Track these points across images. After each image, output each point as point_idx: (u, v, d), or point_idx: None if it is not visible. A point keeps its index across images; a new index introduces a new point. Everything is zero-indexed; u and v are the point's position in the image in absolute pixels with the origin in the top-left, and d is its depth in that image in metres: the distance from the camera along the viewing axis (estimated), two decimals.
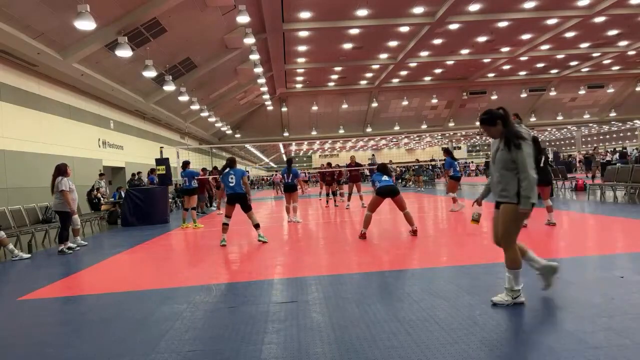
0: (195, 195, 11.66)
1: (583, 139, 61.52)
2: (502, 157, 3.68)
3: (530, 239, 6.78)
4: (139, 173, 17.39)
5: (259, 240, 7.94)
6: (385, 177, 7.73)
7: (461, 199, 12.36)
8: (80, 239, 9.21)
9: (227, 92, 26.53)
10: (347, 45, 22.72)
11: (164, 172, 13.56)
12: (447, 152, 11.93)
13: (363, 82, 31.58)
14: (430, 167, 30.81)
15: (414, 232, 7.66)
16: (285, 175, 11.32)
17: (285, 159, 67.46)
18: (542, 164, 7.77)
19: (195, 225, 11.32)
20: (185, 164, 11.91)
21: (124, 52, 12.97)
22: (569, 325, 3.24)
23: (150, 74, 15.28)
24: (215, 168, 18.35)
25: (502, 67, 29.25)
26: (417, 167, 25.98)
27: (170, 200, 16.15)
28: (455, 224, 9.22)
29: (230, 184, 7.93)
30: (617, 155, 25.26)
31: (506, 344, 3.00)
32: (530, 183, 3.55)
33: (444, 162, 13.09)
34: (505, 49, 25.85)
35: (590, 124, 46.60)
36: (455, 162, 11.73)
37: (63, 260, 7.60)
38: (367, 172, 30.79)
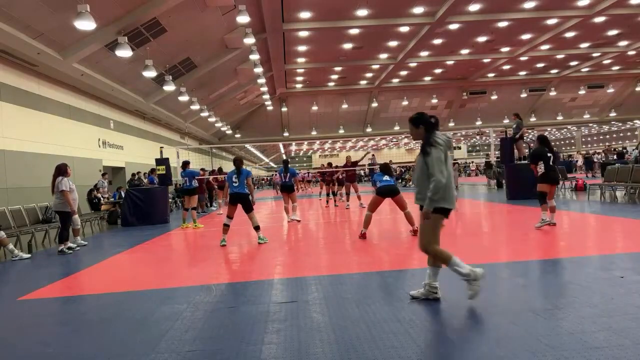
0: (196, 195, 11.66)
1: (583, 139, 61.54)
2: (419, 161, 3.89)
3: (531, 238, 6.79)
4: (138, 173, 17.42)
5: (259, 243, 7.92)
6: (386, 177, 7.73)
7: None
8: (80, 239, 9.20)
9: (227, 92, 26.52)
10: (347, 45, 22.71)
11: (164, 172, 13.57)
12: None
13: (363, 82, 31.57)
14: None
15: (414, 232, 7.65)
16: (282, 175, 11.38)
17: (285, 158, 67.12)
18: (551, 163, 7.73)
19: (195, 225, 11.32)
20: (185, 164, 11.90)
21: (124, 52, 12.97)
22: (569, 325, 3.24)
23: (150, 74, 15.28)
24: (219, 169, 18.35)
25: (502, 67, 29.24)
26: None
27: (170, 200, 16.15)
28: (455, 224, 9.21)
29: (234, 184, 7.91)
30: (614, 156, 25.25)
31: (506, 344, 3.00)
32: (435, 186, 3.70)
33: None
34: (505, 49, 25.84)
35: (590, 124, 46.61)
36: None
37: (63, 260, 7.60)
38: (362, 172, 30.78)
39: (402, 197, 7.68)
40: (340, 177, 15.28)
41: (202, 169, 17.12)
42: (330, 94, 33.02)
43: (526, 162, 14.10)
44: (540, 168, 7.71)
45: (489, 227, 8.69)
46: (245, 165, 8.77)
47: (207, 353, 3.16)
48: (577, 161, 31.95)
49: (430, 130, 3.90)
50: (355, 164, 14.90)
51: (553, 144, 8.37)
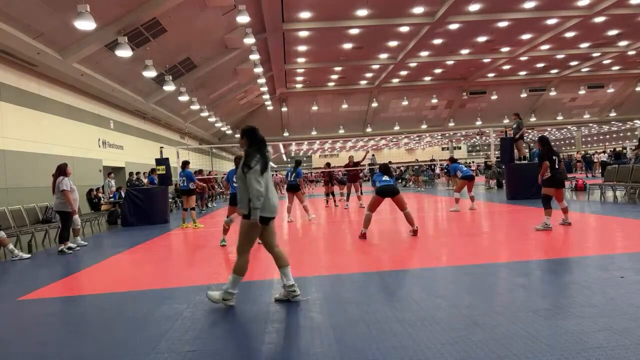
0: (194, 195, 11.66)
1: (583, 139, 61.51)
2: (239, 172, 4.13)
3: (531, 238, 6.79)
4: (137, 173, 17.44)
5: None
6: (385, 177, 7.73)
7: (463, 199, 12.35)
8: (80, 239, 9.20)
9: (227, 92, 26.52)
10: (347, 45, 22.71)
11: (164, 172, 13.56)
12: (450, 160, 13.01)
13: (363, 82, 31.56)
14: (430, 167, 30.77)
15: (414, 232, 7.66)
16: (289, 174, 11.50)
17: (285, 159, 67.47)
18: (556, 165, 7.65)
19: (195, 225, 11.32)
20: (185, 164, 11.86)
21: (124, 52, 12.96)
22: (569, 325, 3.24)
23: (150, 74, 15.27)
24: (200, 171, 18.41)
25: (502, 67, 29.23)
26: (416, 167, 25.97)
27: (170, 200, 16.15)
28: (455, 224, 9.21)
29: (235, 184, 7.88)
30: (606, 155, 25.29)
31: (506, 344, 3.00)
32: (256, 196, 3.94)
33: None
34: (505, 49, 25.83)
35: (590, 124, 46.60)
36: (460, 165, 12.46)
37: (63, 260, 7.60)
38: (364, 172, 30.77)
39: (401, 197, 7.68)
40: (340, 176, 15.29)
41: (196, 171, 17.22)
42: (330, 94, 33.01)
43: (526, 162, 14.12)
44: (547, 171, 7.57)
45: (489, 227, 8.69)
46: None
47: (207, 353, 3.16)
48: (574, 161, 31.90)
49: (252, 145, 4.13)
50: (357, 164, 14.90)
51: (553, 144, 8.27)
